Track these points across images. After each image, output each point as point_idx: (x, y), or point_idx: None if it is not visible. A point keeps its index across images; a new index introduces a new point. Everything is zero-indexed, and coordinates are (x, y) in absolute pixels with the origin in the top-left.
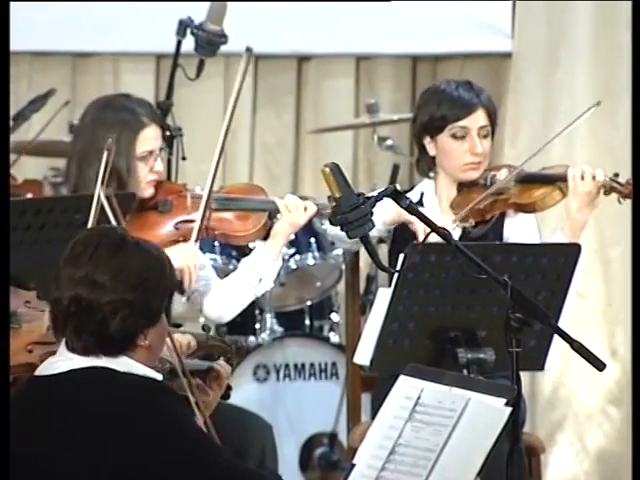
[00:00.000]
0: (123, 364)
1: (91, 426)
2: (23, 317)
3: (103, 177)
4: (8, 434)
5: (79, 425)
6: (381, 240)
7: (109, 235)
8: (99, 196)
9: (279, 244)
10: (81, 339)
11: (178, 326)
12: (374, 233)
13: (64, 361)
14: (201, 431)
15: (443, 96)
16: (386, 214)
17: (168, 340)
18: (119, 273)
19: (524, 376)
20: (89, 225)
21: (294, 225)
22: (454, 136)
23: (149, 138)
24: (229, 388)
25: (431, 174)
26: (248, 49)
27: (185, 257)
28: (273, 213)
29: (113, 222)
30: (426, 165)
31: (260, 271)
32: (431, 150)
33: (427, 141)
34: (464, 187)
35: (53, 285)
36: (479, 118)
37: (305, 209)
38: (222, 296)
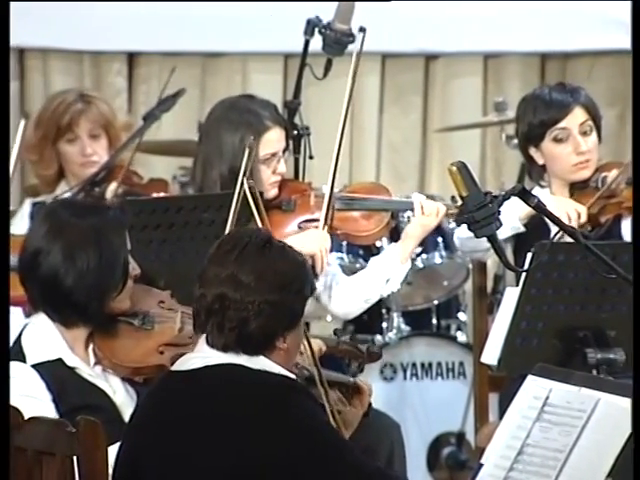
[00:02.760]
0: (259, 363)
1: (224, 423)
2: (155, 318)
3: (244, 174)
4: (8, 433)
5: (212, 421)
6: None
7: (256, 236)
8: (241, 194)
9: (410, 246)
10: (222, 335)
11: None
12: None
13: (201, 357)
14: (334, 430)
15: (537, 102)
16: (519, 210)
17: (307, 349)
18: (264, 274)
19: None
20: (229, 224)
21: (426, 228)
22: (556, 139)
23: (272, 141)
24: (369, 405)
25: (543, 183)
26: (362, 29)
27: (317, 242)
28: (396, 213)
29: (258, 222)
30: (537, 174)
31: (388, 272)
32: (539, 159)
33: (533, 151)
34: (575, 190)
35: (197, 282)
36: (577, 116)
37: (437, 213)
38: (348, 293)
